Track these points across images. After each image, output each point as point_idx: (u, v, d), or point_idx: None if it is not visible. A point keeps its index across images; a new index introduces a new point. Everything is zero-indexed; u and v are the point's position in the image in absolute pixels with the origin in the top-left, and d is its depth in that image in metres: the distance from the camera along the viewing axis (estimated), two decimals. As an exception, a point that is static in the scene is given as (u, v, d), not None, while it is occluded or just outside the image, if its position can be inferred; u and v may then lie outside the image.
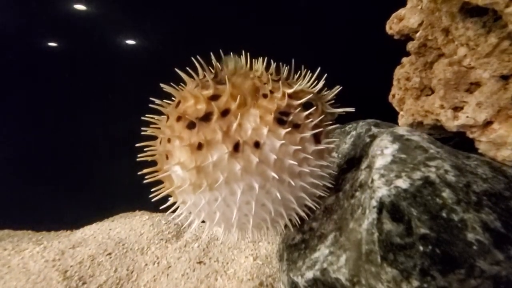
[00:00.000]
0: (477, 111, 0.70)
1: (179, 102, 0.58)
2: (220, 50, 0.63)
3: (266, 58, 0.63)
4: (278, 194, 0.54)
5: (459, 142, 0.80)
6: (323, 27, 1.41)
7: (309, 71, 0.65)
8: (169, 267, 1.05)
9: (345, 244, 0.56)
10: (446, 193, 0.46)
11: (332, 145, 0.62)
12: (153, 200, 0.60)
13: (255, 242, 1.17)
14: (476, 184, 0.49)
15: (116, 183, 1.55)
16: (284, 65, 0.65)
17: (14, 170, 1.68)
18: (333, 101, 0.67)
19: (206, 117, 0.53)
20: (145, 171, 0.60)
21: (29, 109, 1.66)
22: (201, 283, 0.94)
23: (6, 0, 1.46)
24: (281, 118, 0.54)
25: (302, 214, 0.65)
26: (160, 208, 0.63)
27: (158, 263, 1.08)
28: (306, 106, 0.59)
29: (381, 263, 0.46)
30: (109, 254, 1.11)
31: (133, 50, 1.63)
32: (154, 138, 0.62)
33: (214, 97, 0.55)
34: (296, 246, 0.71)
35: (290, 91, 0.58)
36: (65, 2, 1.49)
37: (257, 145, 0.52)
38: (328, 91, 0.66)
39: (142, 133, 0.61)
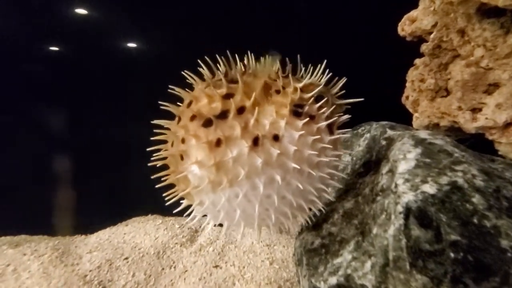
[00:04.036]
0: (496, 113, 0.69)
1: (190, 102, 0.58)
2: (227, 51, 0.62)
3: (271, 56, 0.63)
4: (299, 185, 0.54)
5: (474, 143, 0.79)
6: (334, 28, 1.41)
7: (312, 66, 0.65)
8: (186, 271, 1.06)
9: (370, 250, 0.56)
10: (476, 199, 0.46)
11: (344, 135, 0.63)
12: (167, 204, 0.60)
13: (270, 246, 1.18)
14: (506, 189, 0.48)
15: (128, 187, 1.57)
16: (287, 61, 0.65)
17: (28, 176, 1.71)
18: (339, 93, 0.68)
19: (223, 115, 0.53)
20: (159, 174, 0.59)
21: (42, 116, 1.68)
22: (219, 287, 0.94)
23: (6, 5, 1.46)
24: (296, 110, 0.55)
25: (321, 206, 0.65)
26: (174, 212, 0.63)
27: (174, 267, 1.09)
28: (317, 98, 0.60)
29: (410, 270, 0.46)
30: (126, 258, 1.12)
31: (147, 54, 1.64)
32: (164, 142, 0.62)
33: (228, 96, 0.55)
34: (316, 251, 0.71)
35: (300, 85, 0.59)
36: (67, 6, 1.49)
37: (276, 138, 0.52)
38: (334, 85, 0.67)
39: (152, 138, 0.60)
